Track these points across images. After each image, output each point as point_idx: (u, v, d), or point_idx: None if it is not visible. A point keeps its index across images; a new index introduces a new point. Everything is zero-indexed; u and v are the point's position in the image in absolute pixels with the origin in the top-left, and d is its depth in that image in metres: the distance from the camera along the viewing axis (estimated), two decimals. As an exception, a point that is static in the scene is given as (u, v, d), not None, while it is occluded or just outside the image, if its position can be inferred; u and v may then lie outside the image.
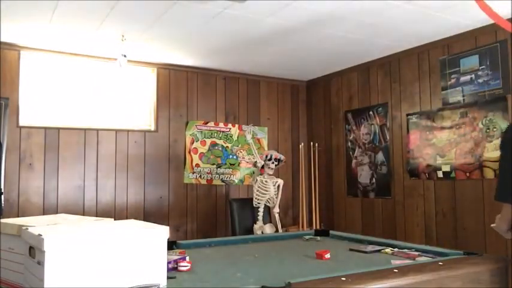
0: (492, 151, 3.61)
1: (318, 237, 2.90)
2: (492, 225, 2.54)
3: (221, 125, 5.16)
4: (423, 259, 2.07)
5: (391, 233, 4.41)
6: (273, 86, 5.56)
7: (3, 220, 1.68)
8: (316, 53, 4.52)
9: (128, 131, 4.65)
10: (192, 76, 5.02)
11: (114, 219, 1.82)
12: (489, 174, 3.64)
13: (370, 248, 2.41)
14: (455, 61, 3.95)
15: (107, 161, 4.50)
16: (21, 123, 4.15)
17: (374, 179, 4.74)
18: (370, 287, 1.57)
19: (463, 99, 3.87)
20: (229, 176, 5.16)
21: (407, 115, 4.37)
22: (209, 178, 5.03)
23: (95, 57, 4.48)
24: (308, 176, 5.27)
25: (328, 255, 2.17)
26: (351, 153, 5.07)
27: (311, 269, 1.95)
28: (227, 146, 5.18)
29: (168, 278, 1.57)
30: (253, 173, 4.80)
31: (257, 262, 2.16)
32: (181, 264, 1.93)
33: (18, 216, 3.83)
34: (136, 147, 4.67)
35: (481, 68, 3.74)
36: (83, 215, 4.21)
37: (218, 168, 5.09)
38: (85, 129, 4.43)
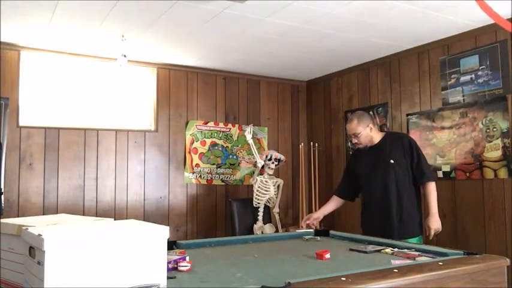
0: (492, 151, 3.62)
1: (318, 237, 2.90)
2: None
3: (221, 125, 5.16)
4: (423, 259, 2.07)
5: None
6: (273, 86, 5.56)
7: (3, 220, 1.67)
8: (316, 53, 4.52)
9: (128, 131, 4.65)
10: (192, 76, 5.02)
11: (114, 219, 1.82)
12: (489, 174, 3.64)
13: (370, 248, 2.40)
14: (455, 61, 3.94)
15: (107, 161, 4.50)
16: (21, 123, 4.15)
17: (374, 179, 4.73)
18: (370, 287, 1.57)
19: (463, 99, 3.87)
20: (229, 176, 5.15)
21: (407, 115, 4.37)
22: (209, 178, 5.03)
23: (95, 57, 4.48)
24: (308, 176, 5.26)
25: (328, 255, 2.16)
26: (350, 153, 5.06)
27: (311, 269, 1.95)
28: (227, 146, 5.17)
29: (168, 278, 1.57)
30: (253, 173, 4.80)
31: (257, 262, 2.15)
32: (181, 264, 1.92)
33: (18, 216, 3.83)
34: (136, 147, 4.67)
35: (481, 68, 3.74)
36: (83, 215, 4.21)
37: (218, 168, 5.09)
38: (85, 129, 4.43)
